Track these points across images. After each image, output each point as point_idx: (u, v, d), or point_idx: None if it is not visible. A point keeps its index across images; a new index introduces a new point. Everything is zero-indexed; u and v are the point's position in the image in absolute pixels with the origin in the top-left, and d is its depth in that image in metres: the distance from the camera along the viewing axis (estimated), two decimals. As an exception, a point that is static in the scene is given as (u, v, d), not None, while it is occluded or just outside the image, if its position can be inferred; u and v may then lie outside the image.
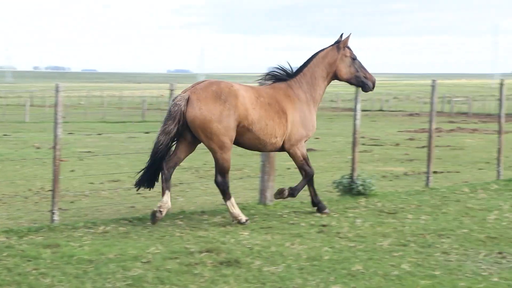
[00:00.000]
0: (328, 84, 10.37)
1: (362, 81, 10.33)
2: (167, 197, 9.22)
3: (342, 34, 10.30)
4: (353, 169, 11.81)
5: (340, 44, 10.27)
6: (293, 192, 10.03)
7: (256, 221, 9.60)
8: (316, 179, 10.56)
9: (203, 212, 10.18)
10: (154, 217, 9.18)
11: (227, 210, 9.59)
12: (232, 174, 15.53)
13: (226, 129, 9.28)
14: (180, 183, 13.81)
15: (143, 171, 9.46)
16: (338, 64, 10.25)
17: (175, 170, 9.54)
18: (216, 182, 9.48)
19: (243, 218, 9.46)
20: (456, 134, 31.68)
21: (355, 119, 11.82)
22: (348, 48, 10.30)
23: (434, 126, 13.09)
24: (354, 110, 11.88)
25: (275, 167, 11.10)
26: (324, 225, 9.27)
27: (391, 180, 14.55)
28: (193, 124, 9.28)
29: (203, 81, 9.63)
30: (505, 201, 11.08)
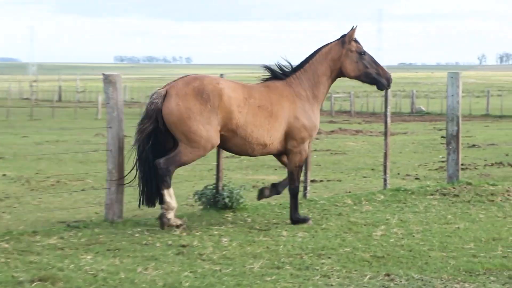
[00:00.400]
0: (333, 82, 11.03)
1: (374, 78, 10.90)
2: (167, 197, 10.12)
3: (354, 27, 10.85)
4: (218, 178, 11.87)
5: (345, 38, 10.81)
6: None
7: (102, 242, 9.43)
8: (175, 189, 10.53)
9: (35, 232, 9.87)
10: (161, 222, 10.13)
11: (163, 198, 10.14)
12: (72, 186, 15.17)
13: (205, 130, 10.05)
14: (6, 197, 13.32)
15: (141, 187, 10.30)
16: (343, 61, 10.83)
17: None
18: (156, 162, 10.07)
19: (175, 220, 10.17)
20: (337, 136, 32.70)
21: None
22: (356, 41, 10.84)
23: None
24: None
25: (123, 175, 10.93)
26: (183, 246, 9.26)
27: (263, 191, 14.76)
28: (168, 119, 10.04)
29: (187, 76, 10.38)
30: (392, 214, 11.55)
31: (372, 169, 18.75)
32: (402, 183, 15.65)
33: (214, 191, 11.78)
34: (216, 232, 10.09)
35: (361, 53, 10.86)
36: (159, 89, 10.30)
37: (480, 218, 11.24)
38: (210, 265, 8.36)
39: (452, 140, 14.49)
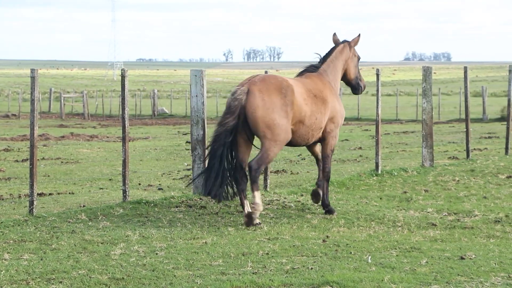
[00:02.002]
0: (340, 78, 13.70)
1: (358, 83, 13.94)
2: (258, 199, 12.06)
3: (335, 33, 13.86)
4: None
5: (351, 43, 13.76)
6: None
7: None
8: None
9: None
10: (250, 219, 11.89)
11: (254, 199, 12.01)
12: None
13: (285, 124, 12.15)
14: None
15: (206, 175, 12.07)
16: (349, 63, 13.73)
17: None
18: (249, 165, 12.08)
19: (257, 218, 12.02)
20: (68, 142, 32.30)
21: None
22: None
23: (37, 131, 13.14)
24: None
25: None
26: None
27: (-20, 207, 14.25)
28: (255, 114, 12.01)
29: (256, 76, 12.46)
30: (133, 230, 11.62)
31: (110, 180, 18.74)
32: (144, 194, 15.79)
33: None
34: None
35: (358, 60, 13.89)
36: (239, 87, 12.19)
37: (229, 231, 11.63)
38: None
39: (197, 145, 14.84)
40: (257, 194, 12.09)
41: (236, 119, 12.02)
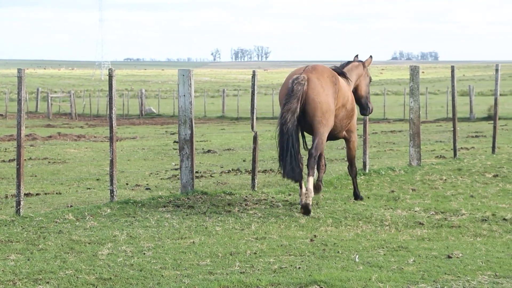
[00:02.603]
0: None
1: (367, 103, 15.08)
2: (311, 185, 12.84)
3: (357, 55, 15.18)
4: None
5: (365, 63, 14.98)
6: (356, 195, 14.51)
7: None
8: None
9: None
10: (307, 209, 12.75)
11: (309, 185, 12.78)
12: None
13: (333, 109, 13.40)
14: None
15: (281, 161, 12.96)
16: (361, 80, 14.86)
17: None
18: (309, 153, 13.09)
19: (310, 201, 12.80)
20: (55, 142, 32.22)
21: None
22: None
23: (24, 131, 13.12)
24: None
25: None
26: None
27: (-33, 208, 14.21)
28: (316, 99, 13.10)
29: (306, 66, 13.60)
30: (121, 230, 11.61)
31: (97, 180, 18.70)
32: (132, 194, 15.77)
33: None
34: None
35: (370, 80, 15.09)
36: (298, 75, 13.20)
37: (217, 231, 11.63)
38: None
39: (185, 145, 14.84)
40: (311, 180, 12.92)
41: (299, 103, 13.00)
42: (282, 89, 13.72)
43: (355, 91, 14.75)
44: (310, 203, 12.82)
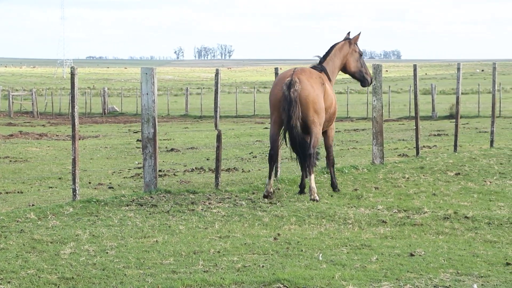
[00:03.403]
0: (337, 75, 15.64)
1: (363, 76, 15.75)
2: (313, 183, 14.10)
3: (349, 32, 15.74)
4: None
5: (351, 40, 15.65)
6: (335, 186, 15.16)
7: None
8: None
9: None
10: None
11: (309, 184, 14.05)
12: None
13: (324, 108, 14.25)
14: None
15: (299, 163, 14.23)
16: (349, 58, 15.59)
17: None
18: (308, 154, 13.97)
19: (317, 197, 13.99)
20: (17, 140, 31.99)
21: None
22: (357, 45, 15.68)
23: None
24: None
25: None
26: None
27: None
28: (307, 99, 13.99)
29: (295, 68, 14.41)
30: (83, 229, 11.54)
31: (60, 178, 18.60)
32: (94, 193, 15.71)
33: None
34: None
35: (360, 55, 15.71)
36: (288, 79, 13.99)
37: (180, 229, 11.61)
38: None
39: (148, 143, 14.80)
40: (313, 178, 14.06)
41: (299, 107, 13.90)
42: (274, 91, 14.29)
43: (345, 69, 15.66)
44: (318, 198, 13.98)
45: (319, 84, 14.33)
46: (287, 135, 14.13)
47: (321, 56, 15.50)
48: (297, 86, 13.93)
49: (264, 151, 24.63)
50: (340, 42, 15.66)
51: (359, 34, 15.88)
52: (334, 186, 15.21)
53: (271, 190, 14.32)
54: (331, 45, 15.60)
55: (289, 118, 13.88)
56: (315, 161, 14.45)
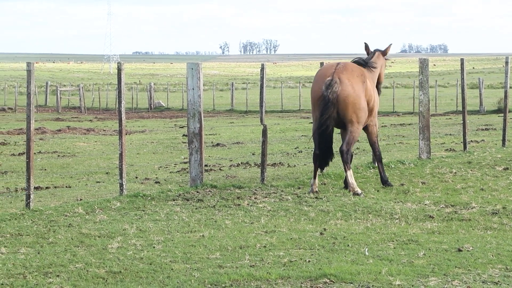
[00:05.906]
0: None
1: (380, 89, 15.66)
2: (351, 178, 14.19)
3: (366, 43, 15.70)
4: None
5: (386, 51, 15.76)
6: (385, 181, 15.05)
7: None
8: None
9: None
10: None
11: (347, 179, 14.19)
12: None
13: (365, 106, 14.32)
14: None
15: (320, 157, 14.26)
16: (382, 68, 15.69)
17: None
18: (341, 150, 14.19)
19: (358, 190, 14.04)
20: (65, 136, 32.28)
21: None
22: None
23: (33, 125, 13.14)
24: None
25: None
26: None
27: (-23, 202, 14.25)
28: (346, 100, 14.03)
29: (338, 64, 14.41)
30: (130, 224, 11.62)
31: (107, 173, 18.73)
32: (141, 188, 15.79)
33: None
34: None
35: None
36: (329, 78, 14.03)
37: (226, 224, 11.63)
38: None
39: (194, 138, 14.85)
40: (350, 173, 14.17)
41: (335, 109, 14.03)
42: (315, 88, 14.37)
43: (377, 79, 15.53)
44: (360, 190, 14.06)
45: (360, 83, 14.33)
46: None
47: (369, 48, 15.74)
48: (336, 88, 13.99)
49: (310, 146, 24.56)
50: (376, 52, 15.69)
51: (389, 45, 15.98)
52: (383, 181, 15.10)
53: (316, 189, 14.24)
54: (371, 52, 15.71)
55: (321, 118, 14.00)
56: (349, 157, 14.39)
